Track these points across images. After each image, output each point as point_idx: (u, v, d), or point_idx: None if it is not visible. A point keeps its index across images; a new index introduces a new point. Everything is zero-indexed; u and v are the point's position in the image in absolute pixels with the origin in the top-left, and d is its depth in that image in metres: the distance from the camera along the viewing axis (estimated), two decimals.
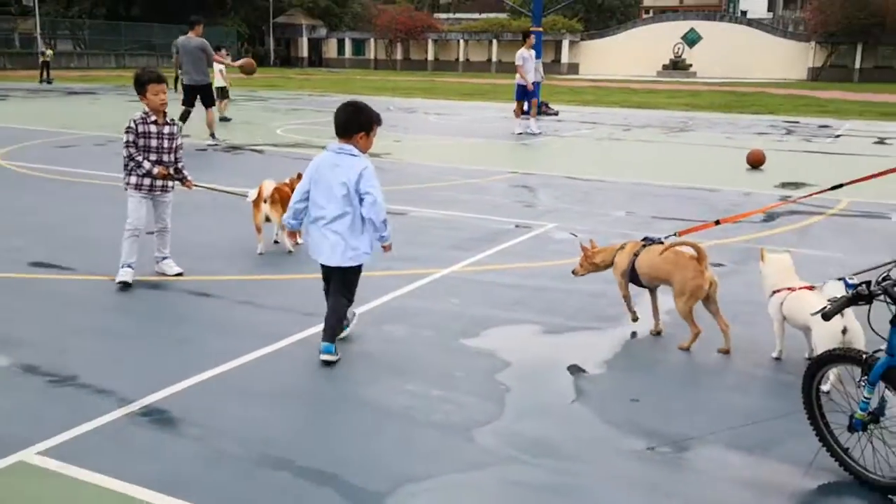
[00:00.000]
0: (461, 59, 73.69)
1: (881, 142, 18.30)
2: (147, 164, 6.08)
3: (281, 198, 7.00)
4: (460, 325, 5.48)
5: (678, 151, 16.16)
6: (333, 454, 3.69)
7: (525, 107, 19.07)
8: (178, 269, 6.40)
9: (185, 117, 14.96)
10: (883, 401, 3.37)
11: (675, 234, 5.37)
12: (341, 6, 78.16)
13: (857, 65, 61.94)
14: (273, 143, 15.58)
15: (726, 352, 5.03)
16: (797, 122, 23.18)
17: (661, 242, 5.32)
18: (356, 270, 4.90)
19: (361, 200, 4.65)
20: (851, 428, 3.43)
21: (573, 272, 5.68)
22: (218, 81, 19.33)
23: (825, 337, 4.29)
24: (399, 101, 29.44)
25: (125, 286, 6.06)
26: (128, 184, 6.19)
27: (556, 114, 24.07)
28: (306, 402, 4.24)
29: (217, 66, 18.27)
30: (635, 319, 5.52)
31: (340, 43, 78.71)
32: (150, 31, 63.34)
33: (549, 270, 6.90)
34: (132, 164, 6.10)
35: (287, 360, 4.81)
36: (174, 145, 6.27)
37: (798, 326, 4.78)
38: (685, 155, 15.64)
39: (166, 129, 6.19)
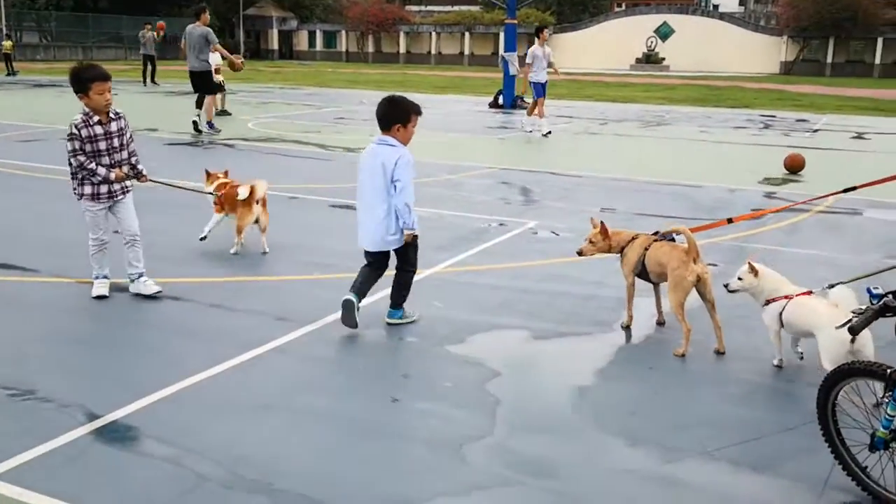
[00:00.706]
0: (433, 51, 73.22)
1: (859, 136, 18.26)
2: (102, 171, 5.43)
3: (227, 197, 6.74)
4: (445, 330, 5.22)
5: (656, 146, 15.98)
6: (315, 475, 3.42)
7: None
8: (156, 289, 5.67)
9: (200, 103, 15.61)
10: None
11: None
12: None
13: (829, 59, 62.37)
14: (244, 138, 15.18)
15: (721, 352, 4.83)
16: (774, 117, 23.14)
17: (673, 239, 5.15)
18: (406, 248, 5.20)
19: (395, 188, 4.98)
20: (873, 447, 3.20)
21: (579, 252, 5.41)
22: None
23: (833, 344, 4.08)
24: (372, 95, 29.05)
25: (101, 299, 5.60)
26: (82, 195, 5.53)
27: None
28: (284, 417, 3.95)
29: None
30: (628, 325, 5.31)
31: (311, 35, 77.92)
32: (119, 22, 62.29)
33: (534, 271, 6.66)
34: (84, 172, 5.44)
35: (264, 369, 4.53)
36: (124, 140, 5.61)
37: (800, 333, 4.58)
38: (664, 150, 15.47)
39: (113, 126, 5.51)
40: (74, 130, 5.38)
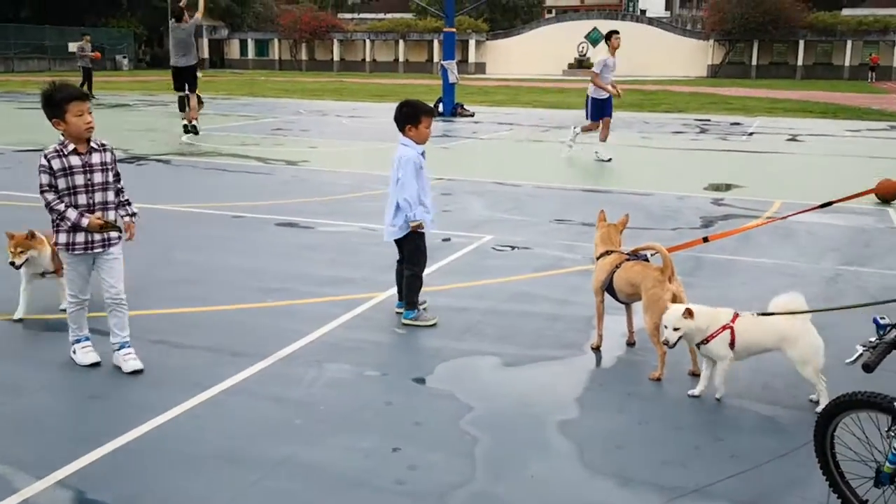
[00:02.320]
0: (368, 59, 72.89)
1: (794, 139, 18.57)
2: (73, 214, 4.43)
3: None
4: (409, 360, 4.95)
5: None
6: None
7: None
8: (137, 366, 4.66)
9: (184, 107, 16.49)
10: None
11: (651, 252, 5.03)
12: (242, 5, 76.26)
13: (754, 61, 64.01)
14: (180, 153, 14.63)
15: (696, 374, 4.64)
16: (708, 121, 23.44)
17: (647, 259, 4.97)
18: (408, 242, 5.59)
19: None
20: (879, 483, 3.04)
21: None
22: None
23: (808, 355, 4.04)
24: (309, 104, 28.59)
25: (96, 366, 4.73)
26: (56, 244, 4.66)
27: (472, 115, 23.70)
28: (248, 470, 3.60)
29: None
30: (598, 346, 5.11)
31: (243, 43, 76.84)
32: (42, 32, 60.34)
33: (496, 289, 6.43)
34: (53, 214, 4.51)
35: (219, 414, 4.17)
36: (108, 178, 4.60)
37: (758, 352, 4.42)
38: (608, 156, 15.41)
39: (95, 158, 4.52)
40: (44, 161, 4.43)
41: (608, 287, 5.04)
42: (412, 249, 5.61)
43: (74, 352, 4.80)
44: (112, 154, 4.66)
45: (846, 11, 64.46)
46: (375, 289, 6.29)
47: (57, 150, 4.46)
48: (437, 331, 5.45)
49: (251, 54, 76.14)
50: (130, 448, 3.77)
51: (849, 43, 61.52)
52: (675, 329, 4.29)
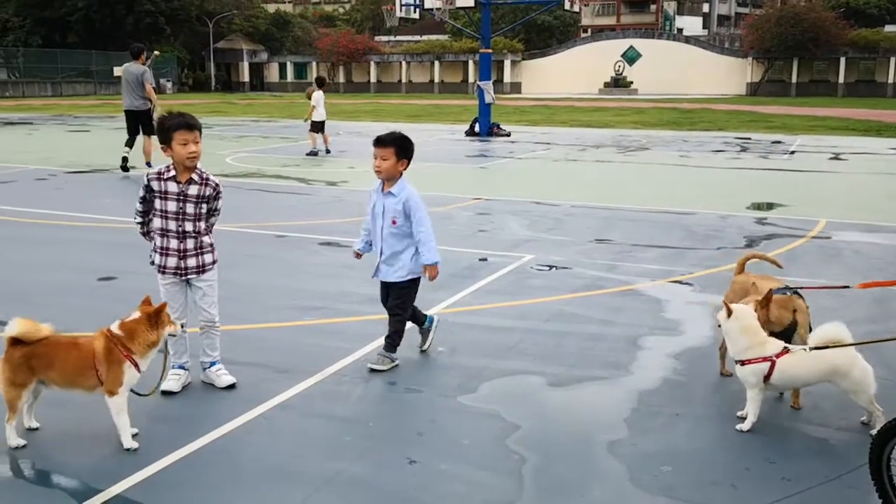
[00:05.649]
0: (404, 80, 73.46)
1: (836, 157, 18.34)
2: (157, 240, 4.62)
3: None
4: (454, 379, 4.97)
5: (639, 172, 15.91)
6: None
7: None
8: (230, 380, 4.75)
9: (131, 143, 15.06)
10: None
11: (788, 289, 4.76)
12: (281, 30, 77.45)
13: (794, 79, 63.33)
14: (225, 174, 14.85)
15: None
16: (749, 139, 23.25)
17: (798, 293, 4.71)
18: (414, 285, 5.28)
19: None
20: None
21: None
22: (318, 115, 18.27)
23: (861, 385, 3.98)
24: (347, 125, 28.88)
25: (168, 394, 4.64)
26: (151, 263, 4.74)
27: (508, 135, 23.76)
28: (299, 486, 3.65)
29: (316, 99, 18.36)
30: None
31: (282, 67, 77.90)
32: (88, 57, 61.81)
33: (537, 309, 6.43)
34: (139, 220, 4.71)
35: (270, 429, 4.23)
36: (200, 212, 4.63)
37: (802, 386, 4.37)
38: (647, 175, 15.38)
39: (192, 190, 4.56)
40: (146, 181, 4.60)
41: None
42: (414, 295, 5.28)
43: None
44: (213, 189, 4.66)
45: (889, 28, 63.60)
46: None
47: (159, 173, 4.58)
48: (478, 349, 5.47)
49: (290, 77, 77.13)
50: (183, 463, 3.84)
51: (892, 60, 60.61)
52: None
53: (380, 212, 5.12)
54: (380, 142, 5.06)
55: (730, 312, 4.23)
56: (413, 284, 5.21)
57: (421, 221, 5.05)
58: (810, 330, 4.37)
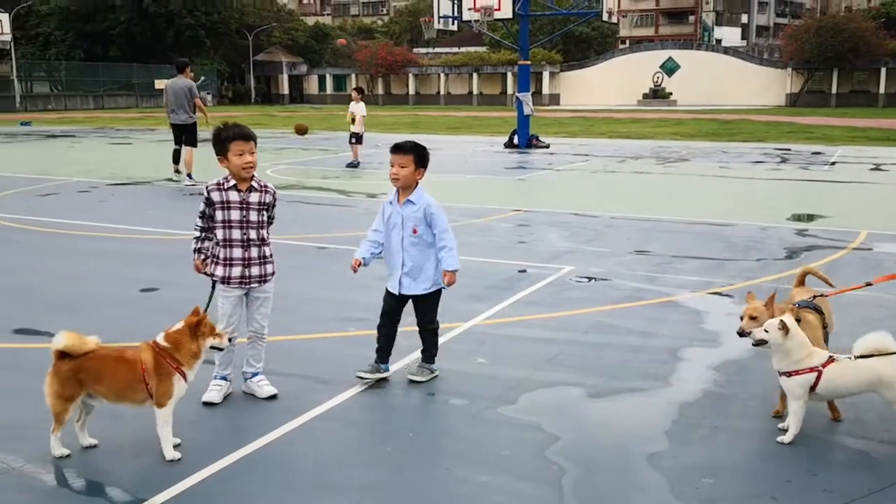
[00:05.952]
0: (442, 92, 73.77)
1: (878, 168, 18.08)
2: (195, 249, 4.76)
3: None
4: (494, 390, 4.99)
5: (678, 183, 15.83)
6: None
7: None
8: (272, 391, 4.81)
9: (177, 159, 15.66)
10: None
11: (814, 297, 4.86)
12: (321, 43, 78.29)
13: (834, 90, 62.51)
14: None
15: (778, 415, 4.53)
16: (789, 150, 23.00)
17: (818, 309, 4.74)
18: (436, 296, 5.23)
19: None
20: None
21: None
22: (357, 127, 18.44)
23: None
24: (385, 137, 29.05)
25: (209, 406, 4.70)
26: (212, 275, 4.78)
27: (547, 146, 23.76)
28: (336, 494, 3.71)
29: (359, 112, 18.47)
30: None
31: (321, 79, 78.71)
32: (130, 71, 63.05)
33: (576, 320, 6.44)
34: (205, 244, 4.78)
35: (312, 440, 4.29)
36: (263, 219, 4.76)
37: (845, 396, 4.31)
38: (686, 186, 15.31)
39: (253, 198, 4.68)
40: (205, 192, 4.69)
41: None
42: (437, 303, 5.23)
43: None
44: (273, 197, 4.79)
45: None
46: (457, 318, 6.36)
47: (218, 184, 4.67)
48: (518, 360, 5.49)
49: (329, 89, 77.89)
50: (226, 473, 3.91)
51: None
52: (765, 331, 4.18)
53: (397, 222, 5.05)
54: (399, 148, 5.01)
55: (787, 330, 4.16)
56: (437, 294, 5.18)
57: (445, 228, 5.01)
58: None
